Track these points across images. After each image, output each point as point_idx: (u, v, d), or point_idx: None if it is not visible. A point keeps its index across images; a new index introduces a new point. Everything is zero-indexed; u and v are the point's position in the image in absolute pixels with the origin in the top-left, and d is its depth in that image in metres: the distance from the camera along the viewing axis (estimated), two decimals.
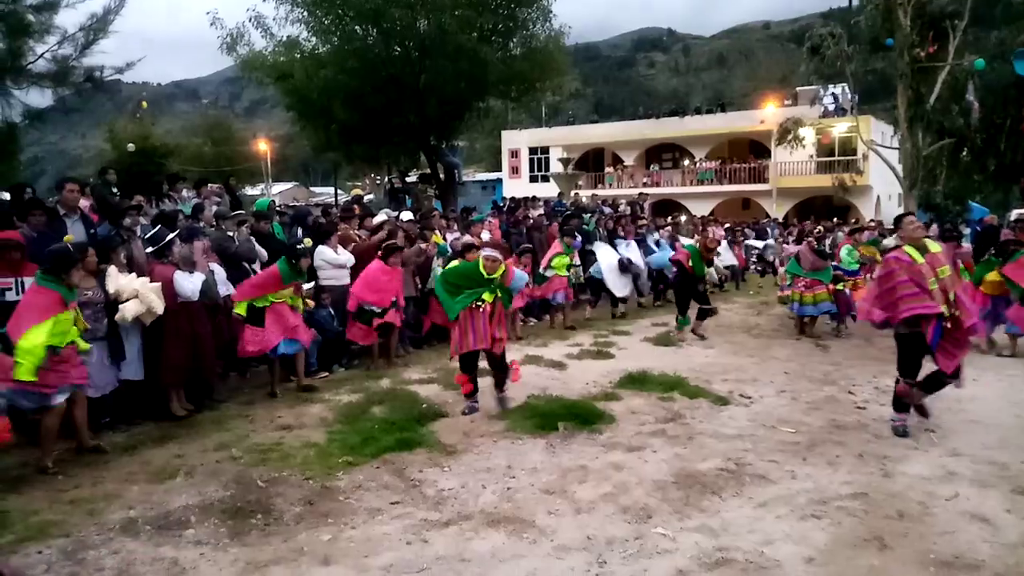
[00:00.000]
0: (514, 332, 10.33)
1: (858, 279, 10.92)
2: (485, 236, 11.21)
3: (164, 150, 35.43)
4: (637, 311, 12.97)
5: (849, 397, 7.06)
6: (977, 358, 8.16)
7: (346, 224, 9.76)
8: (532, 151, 41.18)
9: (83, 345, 5.53)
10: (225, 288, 7.31)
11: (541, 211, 15.08)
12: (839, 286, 10.59)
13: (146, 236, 7.18)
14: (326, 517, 4.39)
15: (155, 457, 5.53)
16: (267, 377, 7.54)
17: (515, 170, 41.78)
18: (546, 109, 41.17)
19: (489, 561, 3.81)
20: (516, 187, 36.50)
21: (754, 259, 20.36)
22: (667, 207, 32.74)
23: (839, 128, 31.24)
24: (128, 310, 6.03)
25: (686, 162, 38.03)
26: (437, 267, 9.34)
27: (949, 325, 5.49)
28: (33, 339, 4.92)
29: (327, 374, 8.28)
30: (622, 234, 13.43)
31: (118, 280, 6.12)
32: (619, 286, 12.37)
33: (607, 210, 16.60)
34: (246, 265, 8.08)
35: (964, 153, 18.15)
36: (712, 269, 11.29)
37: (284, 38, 19.45)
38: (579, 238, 11.81)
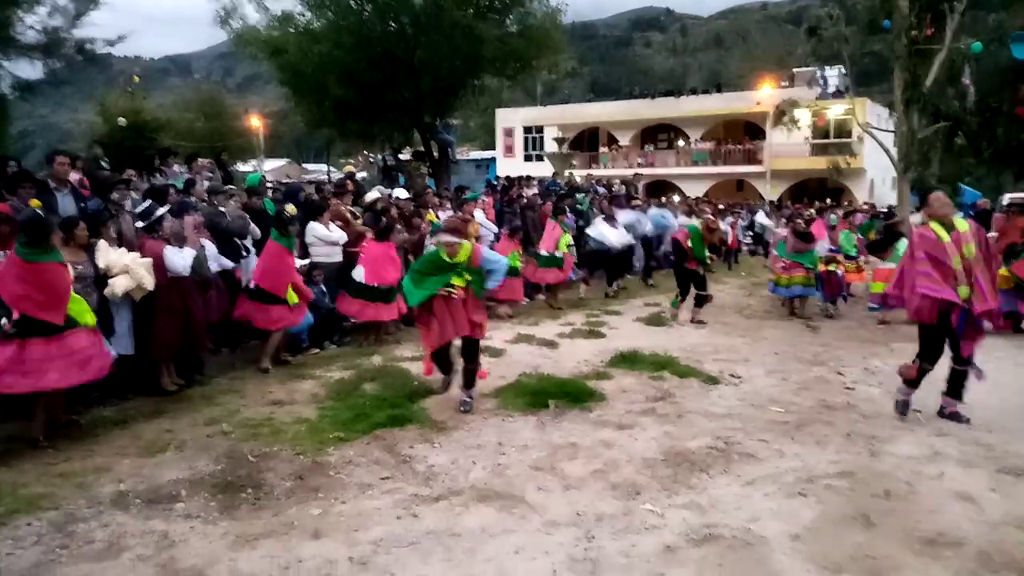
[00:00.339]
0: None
1: (856, 262, 10.96)
2: (478, 215, 11.20)
3: (156, 125, 35.01)
4: (628, 292, 12.96)
5: (838, 378, 7.11)
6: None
7: (338, 200, 9.72)
8: (527, 130, 40.95)
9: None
10: (216, 264, 7.28)
11: (535, 190, 15.05)
12: (831, 267, 10.63)
13: (136, 211, 7.14)
14: (316, 492, 4.40)
15: (145, 431, 5.53)
16: (257, 353, 7.55)
17: (509, 149, 41.57)
18: (541, 88, 40.96)
19: (479, 536, 3.83)
20: (510, 166, 36.36)
21: (748, 240, 20.39)
22: (661, 188, 32.70)
23: (835, 110, 31.14)
24: (117, 285, 6.01)
25: (681, 143, 37.92)
26: (430, 246, 9.32)
27: (969, 308, 5.36)
28: None
29: (318, 351, 8.28)
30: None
31: (108, 255, 6.08)
32: (616, 239, 12.10)
33: (601, 190, 16.57)
34: (237, 241, 8.03)
35: (959, 136, 18.13)
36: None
37: (278, 12, 19.26)
38: (571, 216, 11.79)
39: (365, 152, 36.19)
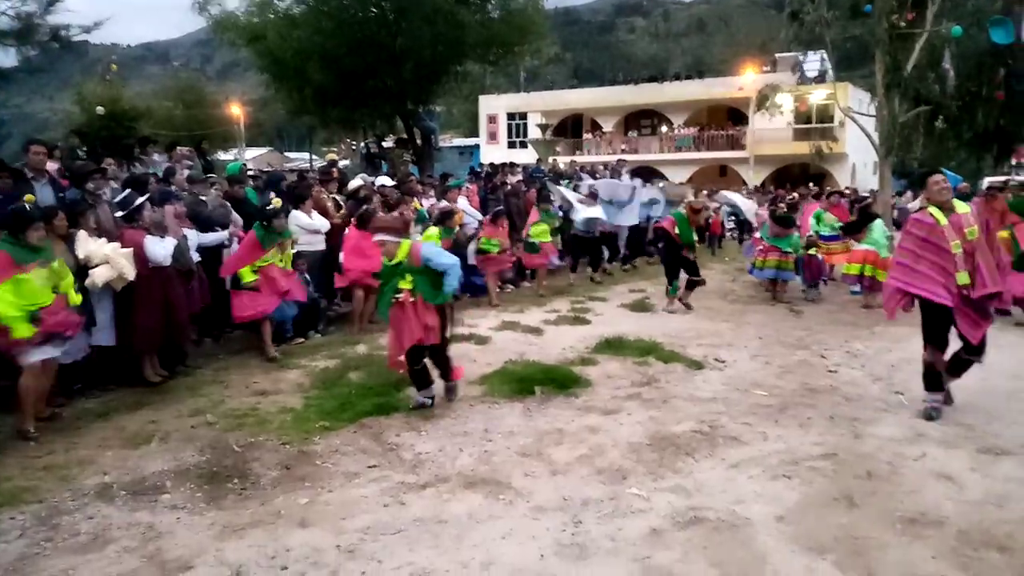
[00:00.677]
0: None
1: (833, 244, 11.00)
2: (462, 202, 11.16)
3: (134, 113, 34.63)
4: (612, 279, 12.98)
5: (821, 361, 7.17)
6: None
7: (320, 188, 9.62)
8: (510, 116, 40.83)
9: (75, 298, 5.51)
10: (197, 254, 7.22)
11: (519, 177, 15.00)
12: (811, 251, 10.70)
13: (115, 200, 7.04)
14: (303, 481, 4.39)
15: (129, 423, 5.49)
16: (241, 344, 7.50)
17: (493, 135, 41.44)
18: (525, 74, 40.77)
19: (466, 522, 3.84)
20: (494, 153, 36.20)
21: (731, 225, 20.46)
22: (645, 174, 32.70)
23: (816, 95, 31.27)
24: (98, 276, 5.93)
25: (664, 128, 37.96)
26: (415, 235, 9.26)
27: (967, 293, 5.14)
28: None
29: (303, 340, 8.23)
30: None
31: (87, 245, 6.00)
32: (590, 211, 11.85)
33: (585, 176, 16.54)
34: (219, 229, 7.95)
35: (939, 121, 18.25)
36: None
37: None
38: (556, 203, 11.77)
39: (347, 140, 35.94)
